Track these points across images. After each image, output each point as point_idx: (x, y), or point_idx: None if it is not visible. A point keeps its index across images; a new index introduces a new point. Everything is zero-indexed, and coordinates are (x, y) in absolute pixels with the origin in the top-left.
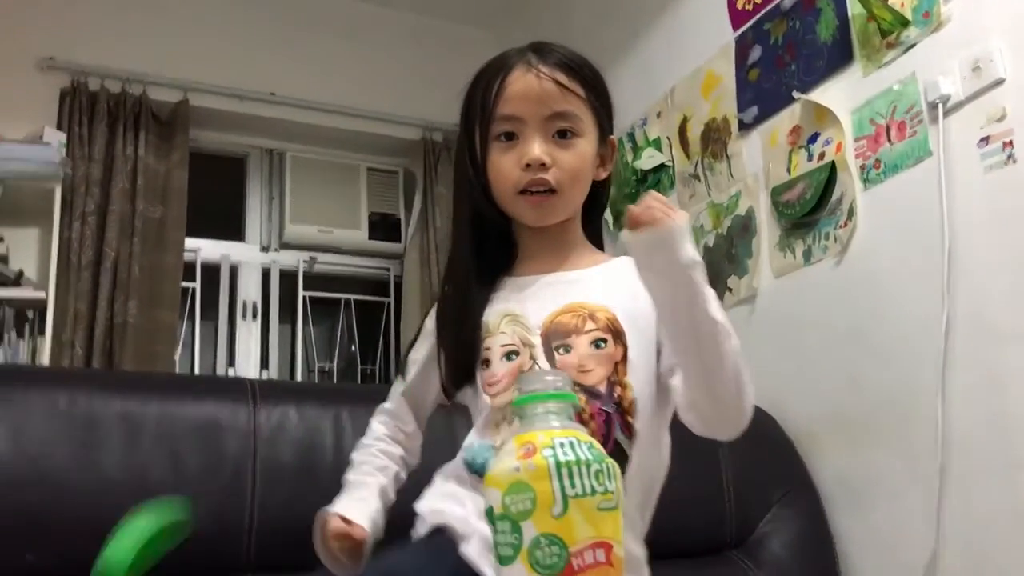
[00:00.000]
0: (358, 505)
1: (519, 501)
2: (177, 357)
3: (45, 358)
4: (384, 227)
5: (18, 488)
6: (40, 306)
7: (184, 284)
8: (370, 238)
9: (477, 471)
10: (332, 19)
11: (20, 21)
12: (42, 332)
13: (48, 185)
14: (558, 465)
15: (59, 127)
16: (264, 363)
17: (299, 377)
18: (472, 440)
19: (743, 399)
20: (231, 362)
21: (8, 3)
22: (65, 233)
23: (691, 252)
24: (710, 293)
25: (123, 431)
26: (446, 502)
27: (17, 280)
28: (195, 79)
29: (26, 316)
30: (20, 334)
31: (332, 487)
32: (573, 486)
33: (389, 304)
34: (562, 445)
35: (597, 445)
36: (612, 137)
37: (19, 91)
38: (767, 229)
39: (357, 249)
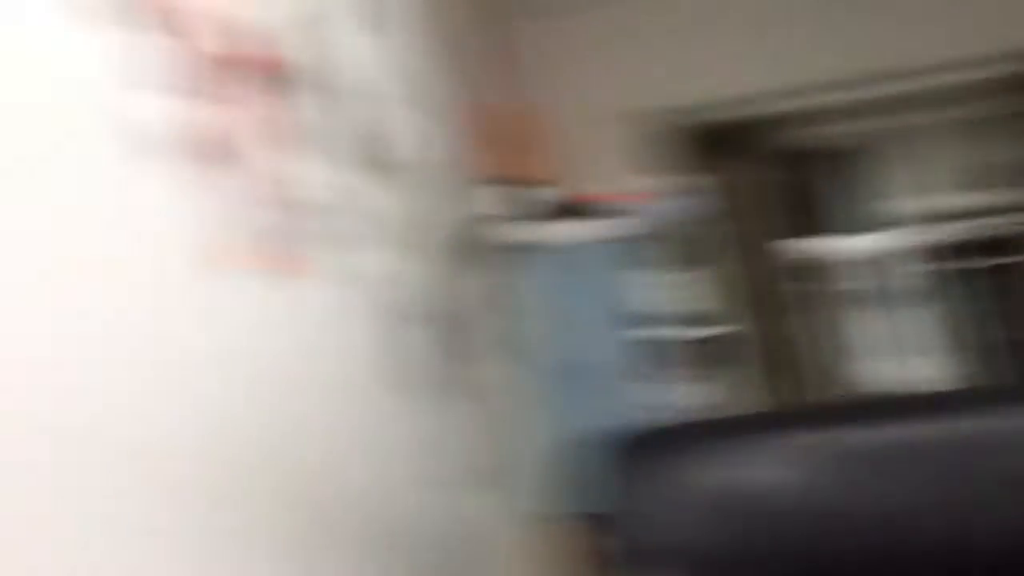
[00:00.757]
0: None
1: None
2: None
3: (741, 389)
4: (1000, 179)
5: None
6: (732, 340)
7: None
8: (989, 195)
9: None
10: None
11: (596, 78)
12: (730, 363)
13: (698, 226)
14: None
15: (674, 170)
16: (918, 350)
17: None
18: None
19: None
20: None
21: (590, 65)
22: (729, 267)
23: None
24: None
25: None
26: None
27: (710, 319)
28: (783, 86)
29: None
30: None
31: None
32: None
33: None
34: None
35: None
36: None
37: (619, 144)
38: None
39: (982, 209)
